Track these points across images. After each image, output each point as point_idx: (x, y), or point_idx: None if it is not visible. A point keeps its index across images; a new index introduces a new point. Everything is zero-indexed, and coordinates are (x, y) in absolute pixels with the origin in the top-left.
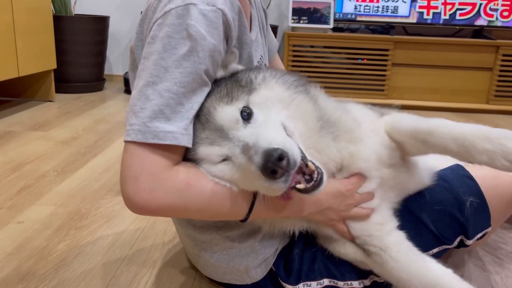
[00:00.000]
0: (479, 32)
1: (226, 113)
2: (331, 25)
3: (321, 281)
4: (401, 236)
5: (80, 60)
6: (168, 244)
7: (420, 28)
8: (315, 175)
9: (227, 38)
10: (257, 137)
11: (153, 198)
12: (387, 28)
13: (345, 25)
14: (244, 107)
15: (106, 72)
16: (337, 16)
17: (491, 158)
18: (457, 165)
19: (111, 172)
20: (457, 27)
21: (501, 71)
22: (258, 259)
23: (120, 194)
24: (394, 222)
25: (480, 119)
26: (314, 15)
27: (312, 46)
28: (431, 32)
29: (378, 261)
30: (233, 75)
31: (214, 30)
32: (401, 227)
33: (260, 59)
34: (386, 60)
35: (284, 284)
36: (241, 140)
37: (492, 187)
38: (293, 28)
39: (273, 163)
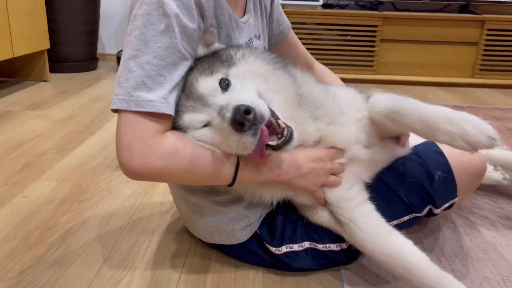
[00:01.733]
0: (466, 7)
1: (207, 83)
2: (320, 2)
3: (302, 243)
4: (370, 208)
5: (73, 39)
6: (165, 214)
7: (408, 4)
8: (285, 132)
9: (202, 17)
10: (230, 99)
11: (146, 163)
12: (376, 4)
13: (335, 1)
14: (222, 78)
15: (99, 51)
16: None
17: (451, 138)
18: (430, 142)
19: (108, 149)
20: (444, 2)
21: (486, 45)
22: (244, 222)
23: (118, 169)
24: (364, 196)
25: (466, 93)
26: None
27: (302, 23)
28: (419, 8)
29: (348, 231)
30: (215, 52)
31: (186, 10)
32: (376, 197)
33: (249, 40)
34: (374, 36)
35: (268, 246)
36: (218, 104)
37: (460, 163)
38: (282, 5)
39: (241, 116)
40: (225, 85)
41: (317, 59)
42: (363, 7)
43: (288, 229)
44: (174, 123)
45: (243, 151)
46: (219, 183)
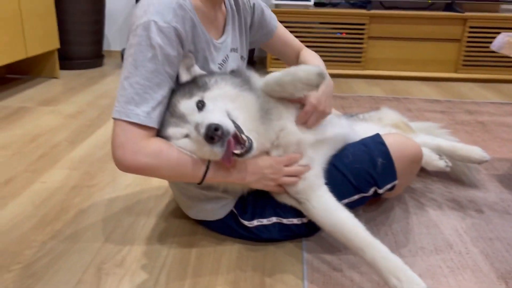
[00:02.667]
0: (450, 6)
1: (186, 104)
2: (311, 2)
3: (270, 218)
4: (323, 190)
5: (80, 38)
6: (161, 197)
7: (395, 2)
8: (247, 143)
9: (182, 46)
10: (203, 117)
11: (136, 159)
12: (365, 2)
13: (327, 0)
14: (198, 100)
15: (104, 48)
16: None
17: (293, 86)
18: (377, 134)
19: None
20: (429, 1)
21: (468, 42)
22: (221, 203)
23: None
24: (320, 181)
25: (449, 87)
26: None
27: (294, 22)
28: (405, 6)
29: (305, 208)
30: (194, 79)
31: (168, 41)
32: (329, 180)
33: (225, 58)
34: (362, 34)
35: (241, 220)
36: (194, 121)
37: (399, 151)
38: (276, 5)
39: (211, 132)
40: (200, 105)
41: None
42: (353, 5)
43: (258, 206)
44: (161, 134)
45: (214, 157)
46: (192, 181)
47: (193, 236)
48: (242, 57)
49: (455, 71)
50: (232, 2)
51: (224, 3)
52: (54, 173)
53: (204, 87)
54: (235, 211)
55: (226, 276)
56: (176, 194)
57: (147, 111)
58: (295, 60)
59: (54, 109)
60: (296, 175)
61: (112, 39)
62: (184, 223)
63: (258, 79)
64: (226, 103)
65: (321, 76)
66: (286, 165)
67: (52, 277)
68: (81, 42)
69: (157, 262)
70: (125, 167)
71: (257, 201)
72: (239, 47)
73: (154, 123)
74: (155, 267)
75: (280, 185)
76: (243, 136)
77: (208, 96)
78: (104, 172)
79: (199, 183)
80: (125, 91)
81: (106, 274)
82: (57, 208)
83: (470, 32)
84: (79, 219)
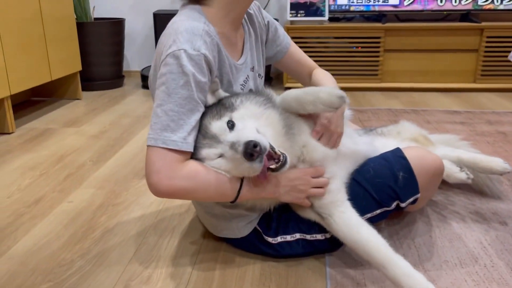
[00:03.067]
0: (466, 16)
1: (217, 125)
2: (326, 17)
3: (294, 235)
4: (346, 206)
5: (101, 60)
6: (184, 214)
7: (411, 15)
8: (281, 158)
9: (210, 71)
10: (238, 136)
11: (172, 184)
12: (380, 16)
13: (341, 14)
14: (228, 120)
15: (124, 69)
16: (332, 8)
17: (314, 106)
18: (397, 148)
19: (136, 160)
20: (445, 12)
21: (486, 51)
22: (245, 221)
23: (145, 177)
24: (343, 196)
25: (466, 98)
26: (310, 8)
27: (310, 37)
28: (421, 18)
29: (327, 223)
30: (220, 100)
31: (199, 69)
32: (352, 195)
33: (246, 78)
34: (378, 47)
35: (265, 237)
36: (229, 141)
37: (420, 165)
38: (291, 22)
39: (251, 149)
40: (230, 125)
41: (326, 69)
42: (368, 19)
43: (282, 223)
44: (194, 156)
45: (253, 173)
46: (226, 200)
47: (216, 253)
48: (259, 75)
49: (474, 81)
50: (248, 21)
51: (242, 24)
52: (80, 193)
53: (231, 108)
54: (259, 229)
55: None
56: (200, 213)
57: (183, 137)
58: (308, 78)
59: (78, 130)
60: (322, 186)
61: (131, 60)
62: (208, 240)
63: (274, 96)
64: (253, 122)
65: (342, 99)
66: (313, 177)
67: None
68: (102, 64)
69: (183, 279)
70: (161, 192)
71: (280, 217)
72: (256, 66)
73: (190, 148)
74: (181, 284)
75: (307, 198)
76: (277, 151)
77: (235, 116)
78: (128, 191)
79: (233, 202)
80: (159, 119)
81: None
82: (84, 227)
83: (487, 42)
84: (105, 238)
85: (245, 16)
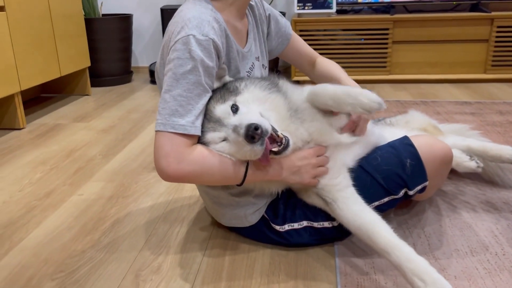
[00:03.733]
0: (475, 6)
1: (221, 109)
2: (334, 10)
3: (301, 222)
4: (350, 191)
5: (110, 56)
6: (193, 205)
7: (419, 5)
8: (283, 141)
9: (218, 57)
10: (241, 119)
11: (180, 168)
12: (388, 7)
13: (349, 7)
14: (232, 104)
15: (132, 64)
16: (339, 0)
17: (353, 108)
18: (405, 136)
19: (145, 154)
20: (454, 2)
21: (496, 42)
22: (253, 208)
23: (154, 171)
24: (348, 182)
25: (477, 89)
26: (317, 1)
27: (317, 30)
28: (430, 8)
29: (331, 209)
30: (224, 85)
31: (207, 53)
32: (359, 183)
33: (251, 66)
34: (386, 39)
35: (273, 225)
36: (232, 124)
37: (428, 152)
38: (299, 14)
39: (252, 132)
40: (234, 109)
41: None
42: (376, 11)
43: (289, 211)
44: (199, 140)
45: (254, 157)
46: (233, 183)
47: (225, 242)
48: (263, 65)
49: (484, 72)
50: (251, 13)
51: (246, 14)
52: (90, 186)
53: (235, 92)
54: (266, 216)
55: (260, 281)
56: (208, 204)
57: (191, 121)
58: (310, 68)
59: (87, 125)
60: (323, 164)
61: (139, 56)
62: (217, 230)
63: (289, 84)
64: (257, 105)
65: (381, 105)
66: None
67: (93, 284)
68: (110, 60)
69: (192, 268)
70: (170, 176)
71: (287, 205)
72: (260, 56)
73: (198, 131)
74: (191, 273)
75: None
76: (279, 134)
77: (240, 100)
78: (137, 183)
79: (240, 184)
80: (167, 104)
81: (144, 280)
82: (94, 219)
83: (497, 32)
84: (116, 229)
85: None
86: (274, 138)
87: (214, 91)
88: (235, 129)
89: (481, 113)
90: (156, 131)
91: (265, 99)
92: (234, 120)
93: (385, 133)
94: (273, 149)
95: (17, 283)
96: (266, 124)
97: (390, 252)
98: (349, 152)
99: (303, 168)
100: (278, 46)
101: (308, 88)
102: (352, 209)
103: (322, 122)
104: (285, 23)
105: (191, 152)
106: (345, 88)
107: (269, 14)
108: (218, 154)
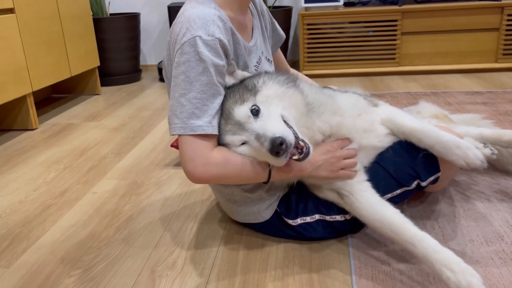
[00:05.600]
0: None
1: (241, 112)
2: (341, 2)
3: (313, 216)
4: (367, 185)
5: (118, 55)
6: (205, 201)
7: None
8: (305, 149)
9: (226, 55)
10: (264, 128)
11: (206, 171)
12: None
13: None
14: (253, 105)
15: (141, 63)
16: None
17: (457, 158)
18: None
19: (157, 151)
20: None
21: (507, 30)
22: (266, 204)
23: (166, 167)
24: (363, 176)
25: (488, 78)
26: None
27: (325, 23)
28: None
29: (348, 202)
30: (242, 81)
31: (215, 53)
32: (371, 175)
33: (258, 60)
34: (395, 30)
35: (286, 219)
36: (254, 131)
37: None
38: (306, 8)
39: (277, 147)
40: (255, 111)
41: (342, 56)
42: (384, 2)
43: (301, 205)
44: (219, 142)
45: (277, 165)
46: (258, 181)
47: (239, 237)
48: (268, 59)
49: (496, 61)
50: (254, 8)
51: (249, 9)
52: (103, 184)
53: (254, 90)
54: (279, 211)
55: (274, 274)
56: (221, 201)
57: (208, 121)
58: None
59: (98, 123)
60: (351, 157)
61: (148, 54)
62: (230, 225)
63: (298, 76)
64: (277, 105)
65: (483, 164)
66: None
67: (110, 280)
68: (119, 59)
69: (207, 263)
70: (197, 179)
71: (299, 200)
72: (265, 50)
73: (215, 131)
74: (206, 268)
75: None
76: (301, 142)
77: (259, 99)
78: (150, 181)
79: (265, 182)
80: (183, 108)
81: (159, 276)
82: (109, 216)
83: (508, 20)
84: (130, 226)
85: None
86: (296, 145)
87: (231, 88)
88: (258, 138)
89: (493, 103)
90: (177, 134)
91: (284, 95)
92: (256, 127)
93: None
94: (294, 158)
95: (35, 281)
96: (290, 136)
97: (416, 244)
98: (370, 150)
99: (329, 161)
100: (273, 47)
101: (386, 110)
102: (371, 202)
103: (341, 116)
104: (279, 28)
105: (215, 155)
106: (455, 139)
107: (269, 12)
108: (241, 157)
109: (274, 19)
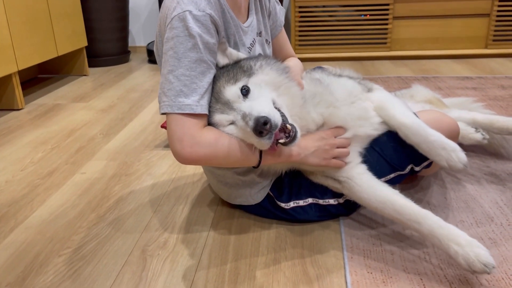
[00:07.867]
0: None
1: (231, 91)
2: None
3: (306, 199)
4: (363, 168)
5: (106, 36)
6: (196, 183)
7: None
8: (291, 133)
9: (217, 32)
10: (251, 108)
11: (194, 151)
12: None
13: None
14: (243, 86)
15: (130, 44)
16: None
17: (440, 158)
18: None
19: (146, 132)
20: None
21: (498, 16)
22: (258, 187)
23: (155, 149)
24: (358, 159)
25: (478, 64)
26: None
27: (316, 6)
28: None
29: (346, 187)
30: (237, 62)
31: (205, 29)
32: (366, 159)
33: (252, 41)
34: (387, 14)
35: (278, 202)
36: (241, 110)
37: (435, 126)
38: None
39: (260, 126)
40: (245, 91)
41: (333, 39)
42: None
43: (294, 188)
44: (207, 120)
45: (261, 147)
46: (248, 165)
47: (231, 218)
48: (266, 40)
49: (485, 47)
50: None
51: None
52: (92, 164)
53: (249, 72)
54: (272, 194)
55: (267, 255)
56: (213, 183)
57: (197, 100)
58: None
59: (86, 104)
60: (344, 146)
61: (136, 35)
62: (222, 206)
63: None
64: (270, 90)
65: (465, 168)
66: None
67: (101, 259)
68: (107, 40)
69: (199, 243)
70: (184, 159)
71: (293, 183)
72: (263, 31)
73: (205, 110)
74: (197, 248)
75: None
76: (288, 126)
77: (252, 81)
78: (140, 162)
79: (256, 167)
80: (171, 85)
81: (151, 255)
82: (98, 197)
83: (499, 6)
84: (120, 206)
85: None
86: (283, 128)
87: (226, 68)
88: (244, 117)
89: (483, 88)
90: (165, 113)
91: (280, 84)
92: (244, 106)
93: None
94: (280, 141)
95: (24, 259)
96: (276, 117)
97: (422, 222)
98: (364, 138)
99: (323, 147)
100: (272, 31)
101: (379, 96)
102: (371, 184)
103: (336, 108)
104: (281, 9)
105: (203, 135)
106: (442, 140)
107: None
108: (230, 137)
109: (277, 7)
